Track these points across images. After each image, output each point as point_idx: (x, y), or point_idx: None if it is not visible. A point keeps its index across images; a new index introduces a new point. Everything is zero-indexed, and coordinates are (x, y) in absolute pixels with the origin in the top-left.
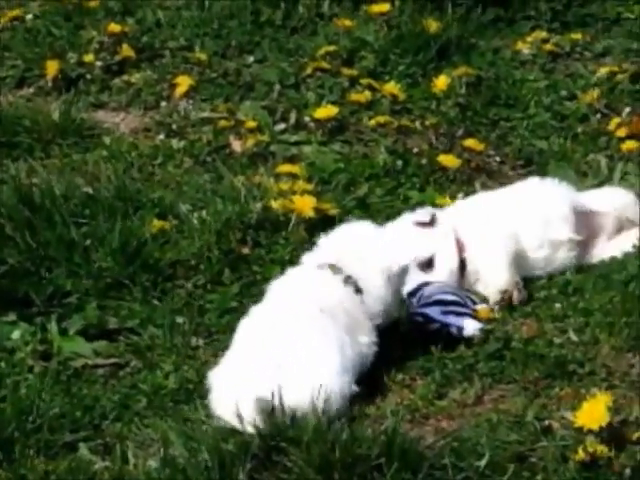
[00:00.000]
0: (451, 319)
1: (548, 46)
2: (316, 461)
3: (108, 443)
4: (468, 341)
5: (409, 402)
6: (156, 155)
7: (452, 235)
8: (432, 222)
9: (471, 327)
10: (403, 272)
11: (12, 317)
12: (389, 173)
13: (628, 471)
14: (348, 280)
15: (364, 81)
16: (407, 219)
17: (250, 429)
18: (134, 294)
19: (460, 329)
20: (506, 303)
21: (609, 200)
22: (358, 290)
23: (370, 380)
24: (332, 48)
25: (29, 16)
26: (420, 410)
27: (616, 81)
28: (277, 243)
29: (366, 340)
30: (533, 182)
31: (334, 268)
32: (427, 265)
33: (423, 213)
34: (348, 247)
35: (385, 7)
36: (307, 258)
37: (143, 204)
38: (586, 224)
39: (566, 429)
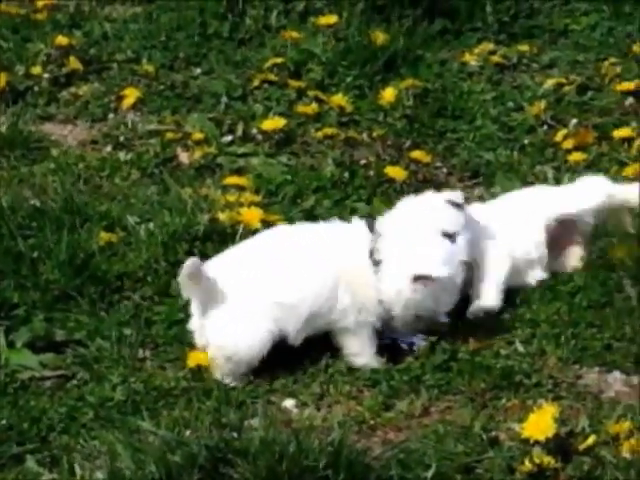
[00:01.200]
0: (401, 335)
1: (495, 58)
2: (263, 472)
3: (55, 455)
4: (415, 353)
5: (356, 413)
6: (103, 167)
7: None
8: (461, 205)
9: (421, 342)
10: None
11: None
12: (336, 185)
13: None
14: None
15: (311, 93)
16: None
17: None
18: (81, 306)
19: (411, 344)
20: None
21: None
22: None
23: (317, 392)
24: (279, 60)
25: None
26: (367, 422)
27: (563, 93)
28: None
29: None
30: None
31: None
32: (450, 237)
33: (457, 195)
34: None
35: (332, 19)
36: None
37: (90, 216)
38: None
39: (513, 440)
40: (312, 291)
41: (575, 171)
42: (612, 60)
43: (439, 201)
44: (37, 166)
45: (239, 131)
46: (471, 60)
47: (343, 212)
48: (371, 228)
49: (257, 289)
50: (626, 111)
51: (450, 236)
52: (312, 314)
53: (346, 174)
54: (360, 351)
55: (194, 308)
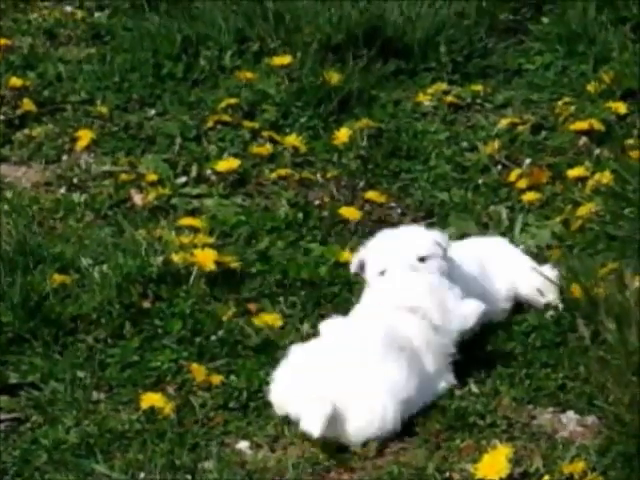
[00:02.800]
0: None
1: (449, 98)
2: None
3: None
4: None
5: (310, 455)
6: (57, 209)
7: None
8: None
9: None
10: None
11: None
12: (290, 226)
13: None
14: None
15: (265, 134)
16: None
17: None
18: (35, 349)
19: None
20: None
21: None
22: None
23: (272, 433)
24: (233, 101)
25: None
26: (321, 463)
27: (517, 132)
28: (178, 296)
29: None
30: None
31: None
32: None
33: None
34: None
35: (286, 60)
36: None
37: (44, 258)
38: None
39: None
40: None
41: (529, 211)
42: (566, 99)
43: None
44: None
45: (193, 172)
46: (425, 100)
47: (297, 253)
48: None
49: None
50: (580, 150)
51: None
52: None
53: (300, 215)
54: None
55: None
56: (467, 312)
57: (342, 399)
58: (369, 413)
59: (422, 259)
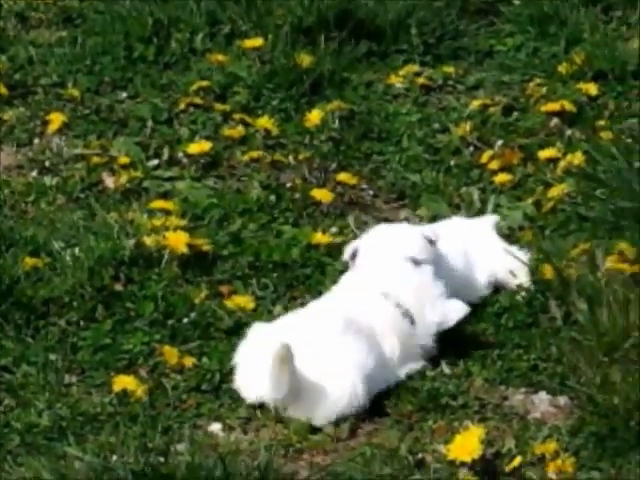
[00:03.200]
0: None
1: (421, 79)
2: None
3: None
4: None
5: (283, 437)
6: (29, 192)
7: None
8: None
9: None
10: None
11: None
12: (262, 208)
13: None
14: (405, 313)
15: (237, 116)
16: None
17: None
18: (7, 332)
19: None
20: None
21: None
22: (412, 322)
23: (244, 415)
24: (205, 83)
25: None
26: (294, 445)
27: (488, 114)
28: (150, 279)
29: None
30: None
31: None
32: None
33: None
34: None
35: (258, 42)
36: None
37: (16, 241)
38: None
39: (439, 462)
40: None
41: (501, 192)
42: (537, 81)
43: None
44: None
45: (165, 155)
46: (397, 82)
47: (269, 235)
48: None
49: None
50: (551, 132)
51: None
52: None
53: (272, 197)
54: None
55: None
56: (450, 311)
57: (309, 378)
58: (338, 390)
59: (416, 262)
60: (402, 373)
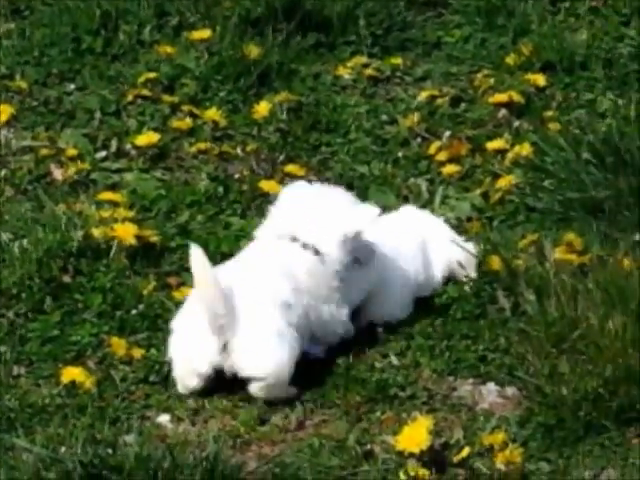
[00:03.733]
0: None
1: (368, 71)
2: None
3: None
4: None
5: (231, 428)
6: None
7: None
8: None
9: (314, 350)
10: (358, 236)
11: None
12: (210, 199)
13: None
14: (306, 246)
15: (185, 108)
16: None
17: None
18: None
19: (306, 354)
20: None
21: None
22: (317, 252)
23: (192, 407)
24: (153, 75)
25: None
26: (242, 436)
27: (436, 105)
28: (98, 271)
29: (331, 308)
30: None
31: (291, 236)
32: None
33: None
34: (302, 214)
35: (206, 34)
36: (262, 231)
37: None
38: None
39: (387, 453)
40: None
41: (449, 183)
42: (485, 72)
43: None
44: None
45: (113, 147)
46: (345, 73)
47: (217, 226)
48: None
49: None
50: (499, 123)
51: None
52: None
53: (220, 189)
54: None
55: (204, 325)
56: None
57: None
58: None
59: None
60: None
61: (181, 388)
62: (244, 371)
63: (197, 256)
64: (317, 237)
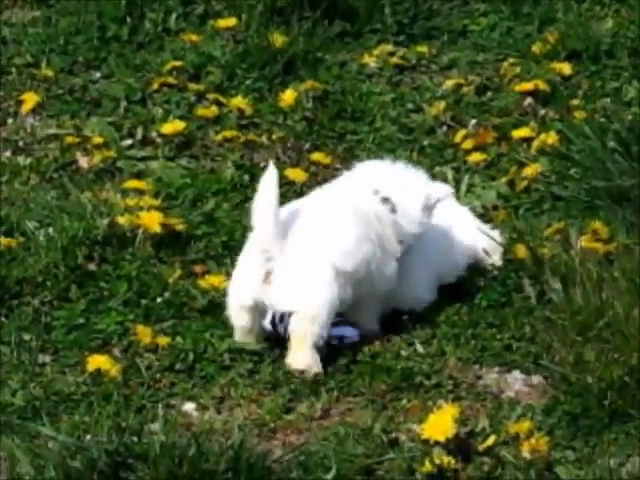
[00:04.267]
0: (330, 330)
1: (394, 59)
2: (163, 476)
3: None
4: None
5: (257, 416)
6: (2, 172)
7: None
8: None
9: (350, 333)
10: (436, 205)
11: None
12: (236, 188)
13: None
14: (385, 201)
15: (211, 96)
16: None
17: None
18: None
19: (341, 338)
20: None
21: None
22: (393, 210)
23: (218, 395)
24: (178, 63)
25: None
26: (268, 424)
27: (462, 93)
28: (124, 259)
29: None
30: None
31: (374, 189)
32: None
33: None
34: (389, 173)
35: (232, 22)
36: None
37: None
38: None
39: (413, 441)
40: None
41: (475, 171)
42: (511, 60)
43: None
44: None
45: (139, 135)
46: (370, 62)
47: (243, 215)
48: None
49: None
50: (525, 111)
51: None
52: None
53: (246, 177)
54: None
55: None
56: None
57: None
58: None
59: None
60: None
61: (236, 333)
62: (277, 303)
63: (269, 177)
64: (398, 195)
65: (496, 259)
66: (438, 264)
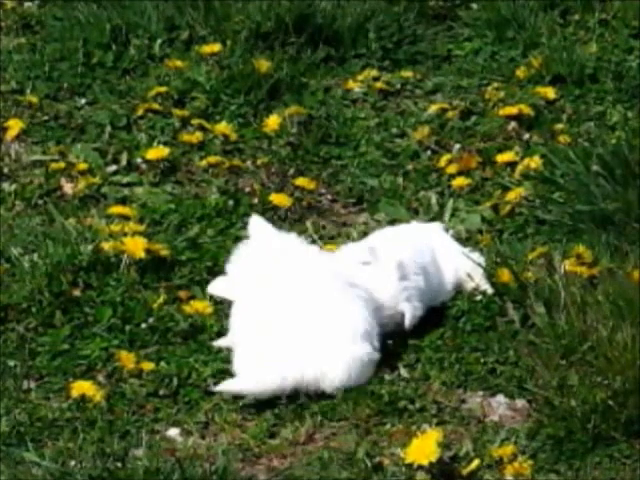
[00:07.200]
0: None
1: (379, 84)
2: None
3: None
4: None
5: (241, 441)
6: None
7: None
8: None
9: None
10: None
11: None
12: (220, 213)
13: None
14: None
15: (195, 121)
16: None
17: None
18: None
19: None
20: None
21: None
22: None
23: (202, 420)
24: (163, 89)
25: None
26: (252, 449)
27: (446, 118)
28: (108, 285)
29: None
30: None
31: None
32: None
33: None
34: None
35: (216, 47)
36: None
37: None
38: None
39: (397, 465)
40: None
41: (459, 196)
42: (495, 85)
43: None
44: None
45: (123, 161)
46: (355, 87)
47: (227, 240)
48: None
49: None
50: (509, 136)
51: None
52: None
53: (230, 202)
54: None
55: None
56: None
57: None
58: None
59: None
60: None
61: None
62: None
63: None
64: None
65: (480, 283)
66: (428, 292)
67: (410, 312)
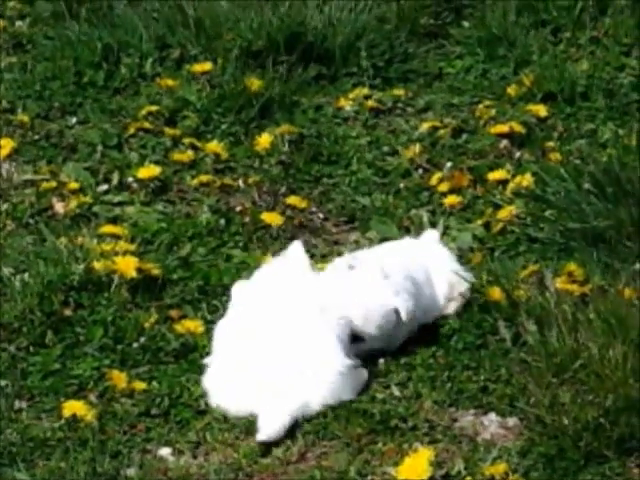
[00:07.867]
0: None
1: (370, 102)
2: None
3: None
4: None
5: (233, 461)
6: None
7: None
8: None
9: None
10: None
11: None
12: (212, 232)
13: None
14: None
15: (187, 140)
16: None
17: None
18: None
19: None
20: None
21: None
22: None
23: (194, 439)
24: (154, 108)
25: None
26: (244, 468)
27: (438, 136)
28: (100, 304)
29: None
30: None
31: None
32: None
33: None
34: None
35: (207, 66)
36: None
37: None
38: None
39: None
40: None
41: (450, 214)
42: (486, 103)
43: None
44: None
45: (115, 180)
46: (346, 105)
47: (219, 259)
48: None
49: None
50: (500, 153)
51: None
52: None
53: (222, 221)
54: None
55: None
56: None
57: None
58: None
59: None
60: None
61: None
62: None
63: None
64: None
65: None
66: (423, 308)
67: (403, 304)
